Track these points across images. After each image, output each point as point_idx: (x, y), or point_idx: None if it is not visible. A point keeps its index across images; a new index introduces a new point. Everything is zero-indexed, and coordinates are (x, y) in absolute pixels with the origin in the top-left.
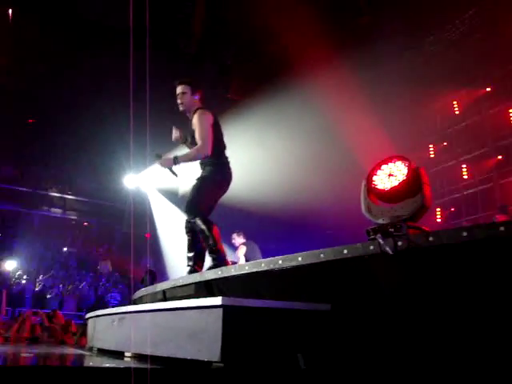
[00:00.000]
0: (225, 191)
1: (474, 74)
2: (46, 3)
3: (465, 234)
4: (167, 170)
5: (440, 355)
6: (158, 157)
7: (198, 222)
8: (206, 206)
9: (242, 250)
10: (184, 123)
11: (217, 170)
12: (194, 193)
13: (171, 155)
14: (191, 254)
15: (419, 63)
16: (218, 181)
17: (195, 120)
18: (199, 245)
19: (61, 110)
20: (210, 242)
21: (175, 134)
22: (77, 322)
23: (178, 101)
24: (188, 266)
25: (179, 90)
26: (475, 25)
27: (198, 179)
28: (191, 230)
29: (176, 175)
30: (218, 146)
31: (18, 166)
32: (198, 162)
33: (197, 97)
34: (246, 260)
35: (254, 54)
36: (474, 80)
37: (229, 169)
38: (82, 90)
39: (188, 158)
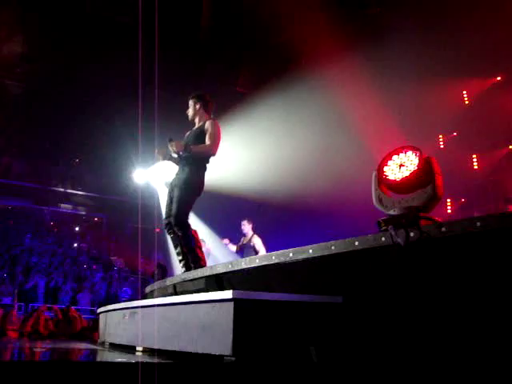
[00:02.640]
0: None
1: (484, 63)
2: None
3: (478, 223)
4: (170, 156)
5: (454, 347)
6: (171, 140)
7: (184, 235)
8: (188, 214)
9: (259, 239)
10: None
11: (199, 173)
12: (179, 205)
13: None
14: (179, 249)
15: (429, 52)
16: (199, 187)
17: (208, 125)
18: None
19: (71, 107)
20: (185, 255)
21: (158, 155)
22: (90, 318)
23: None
24: (180, 261)
25: (189, 103)
26: (486, 13)
27: (181, 187)
28: (172, 229)
29: (177, 163)
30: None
31: (28, 162)
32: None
33: (198, 106)
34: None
35: (263, 46)
36: (483, 69)
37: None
38: (92, 86)
39: (198, 150)
